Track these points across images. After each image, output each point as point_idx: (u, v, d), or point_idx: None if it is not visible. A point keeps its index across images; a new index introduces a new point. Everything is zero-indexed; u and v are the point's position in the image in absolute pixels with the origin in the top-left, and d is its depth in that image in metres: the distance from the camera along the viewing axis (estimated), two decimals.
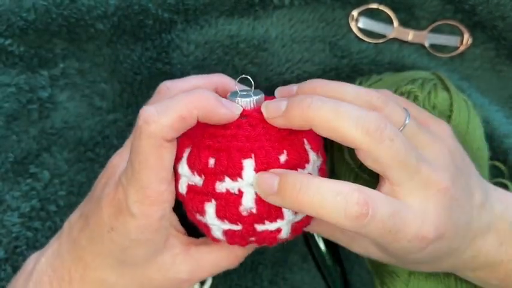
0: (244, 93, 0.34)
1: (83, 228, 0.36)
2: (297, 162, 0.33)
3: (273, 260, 0.46)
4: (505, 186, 0.43)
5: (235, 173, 0.32)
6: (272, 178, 0.31)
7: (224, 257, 0.37)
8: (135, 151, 0.31)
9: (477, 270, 0.36)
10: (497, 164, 0.45)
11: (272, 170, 0.32)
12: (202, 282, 0.43)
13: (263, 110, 0.32)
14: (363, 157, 0.31)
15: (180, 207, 0.36)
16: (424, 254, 0.33)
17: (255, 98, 0.33)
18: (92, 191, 0.38)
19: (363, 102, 0.33)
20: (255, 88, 0.34)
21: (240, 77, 0.35)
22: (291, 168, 0.33)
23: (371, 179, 0.38)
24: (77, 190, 0.45)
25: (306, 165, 0.34)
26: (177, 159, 0.34)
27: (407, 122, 0.33)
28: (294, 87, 0.35)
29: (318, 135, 0.33)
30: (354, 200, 0.29)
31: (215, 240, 0.35)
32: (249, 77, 0.34)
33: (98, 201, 0.35)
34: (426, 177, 0.32)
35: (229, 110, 0.32)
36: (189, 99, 0.31)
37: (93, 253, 0.35)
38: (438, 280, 0.41)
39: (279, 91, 0.35)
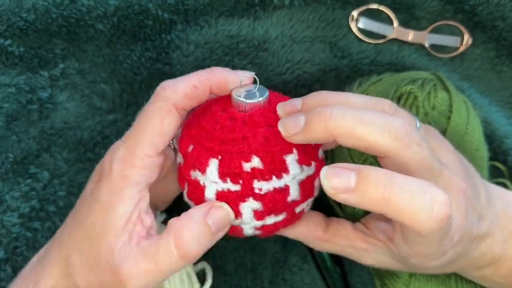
0: (248, 91, 0.33)
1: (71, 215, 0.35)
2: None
3: (273, 261, 0.45)
4: (504, 186, 0.43)
5: (282, 170, 0.32)
6: (346, 174, 0.27)
7: (166, 263, 0.31)
8: (143, 112, 0.33)
9: (482, 269, 0.36)
10: (497, 164, 0.45)
11: (340, 164, 0.28)
12: (203, 283, 0.43)
13: (280, 128, 0.31)
14: (387, 164, 0.30)
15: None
16: (444, 260, 0.32)
17: (262, 98, 0.32)
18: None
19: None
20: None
21: (248, 76, 0.34)
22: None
23: None
24: (77, 190, 0.45)
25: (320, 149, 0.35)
26: (198, 168, 0.33)
27: (418, 127, 0.33)
28: (297, 102, 0.32)
29: None
30: (442, 199, 0.27)
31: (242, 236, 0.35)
32: (253, 74, 0.33)
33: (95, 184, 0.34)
34: (448, 180, 0.32)
35: (239, 76, 0.33)
36: (202, 73, 0.33)
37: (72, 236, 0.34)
38: (439, 281, 0.41)
39: (282, 109, 0.33)
